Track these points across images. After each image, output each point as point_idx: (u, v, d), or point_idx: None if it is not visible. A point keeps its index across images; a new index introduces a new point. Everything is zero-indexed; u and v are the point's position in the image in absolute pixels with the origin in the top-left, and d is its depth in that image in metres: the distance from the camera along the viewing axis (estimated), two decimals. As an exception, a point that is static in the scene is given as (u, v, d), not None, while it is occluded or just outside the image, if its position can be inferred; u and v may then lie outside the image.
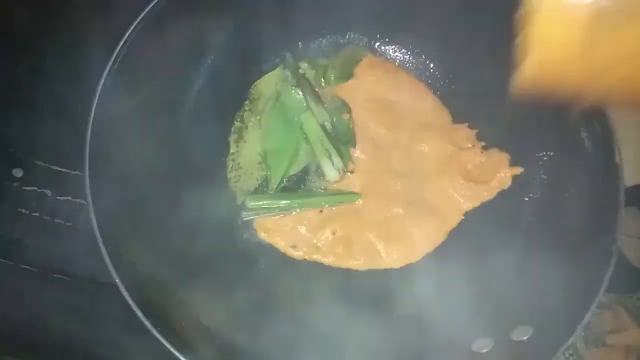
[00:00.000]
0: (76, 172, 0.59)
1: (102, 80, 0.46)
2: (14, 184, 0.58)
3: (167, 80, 0.53)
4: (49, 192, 0.58)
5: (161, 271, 0.46)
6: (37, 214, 0.58)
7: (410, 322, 0.51)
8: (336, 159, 0.56)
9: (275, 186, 0.56)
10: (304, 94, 0.59)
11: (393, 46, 0.63)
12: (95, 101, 0.45)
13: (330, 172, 0.56)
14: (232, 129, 0.59)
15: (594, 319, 0.61)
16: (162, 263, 0.47)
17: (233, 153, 0.59)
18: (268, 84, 0.61)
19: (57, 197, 0.58)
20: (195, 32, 0.54)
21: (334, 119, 0.59)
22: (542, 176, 0.55)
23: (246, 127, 0.59)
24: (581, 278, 0.44)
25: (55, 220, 0.57)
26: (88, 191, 0.43)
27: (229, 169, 0.58)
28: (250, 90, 0.61)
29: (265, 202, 0.55)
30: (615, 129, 0.47)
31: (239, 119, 0.60)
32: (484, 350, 0.45)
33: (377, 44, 0.64)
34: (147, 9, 0.48)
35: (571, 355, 0.62)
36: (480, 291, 0.52)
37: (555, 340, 0.41)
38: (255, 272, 0.55)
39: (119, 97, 0.46)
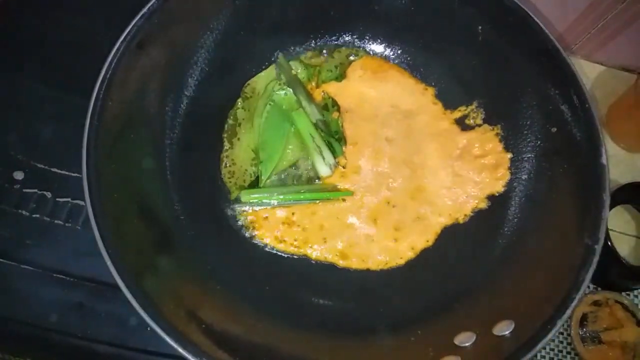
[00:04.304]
0: (75, 175, 0.60)
1: (98, 83, 0.46)
2: (15, 187, 0.59)
3: (163, 81, 0.54)
4: (48, 194, 0.59)
5: (159, 266, 0.47)
6: (37, 215, 0.58)
7: (394, 317, 0.52)
8: (327, 155, 0.57)
9: (265, 179, 0.57)
10: (295, 93, 0.60)
11: (389, 46, 0.64)
12: (91, 104, 0.46)
13: (322, 168, 0.57)
14: (226, 126, 0.60)
15: (590, 316, 0.61)
16: (159, 258, 0.48)
17: (227, 150, 0.60)
18: (261, 82, 0.62)
19: (57, 199, 0.59)
20: (190, 32, 0.55)
21: (325, 118, 0.60)
22: (529, 175, 0.55)
23: (239, 125, 0.60)
24: (564, 275, 0.44)
25: (55, 222, 0.58)
26: (86, 192, 0.44)
27: (223, 165, 0.59)
28: (244, 88, 0.61)
29: (258, 196, 0.56)
30: (600, 129, 0.47)
31: (232, 117, 0.61)
32: (466, 344, 0.45)
33: (373, 44, 0.64)
34: (144, 9, 0.49)
35: (568, 353, 0.62)
36: (463, 286, 0.52)
37: (536, 334, 0.41)
38: (246, 265, 0.55)
39: (115, 99, 0.47)
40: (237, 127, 0.60)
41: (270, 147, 0.58)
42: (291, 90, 0.60)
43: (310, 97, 0.60)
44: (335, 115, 0.61)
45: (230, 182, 0.59)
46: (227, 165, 0.59)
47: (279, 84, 0.60)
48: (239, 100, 0.61)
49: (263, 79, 0.62)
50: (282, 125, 0.59)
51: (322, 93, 0.62)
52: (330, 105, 0.62)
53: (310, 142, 0.57)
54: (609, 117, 0.71)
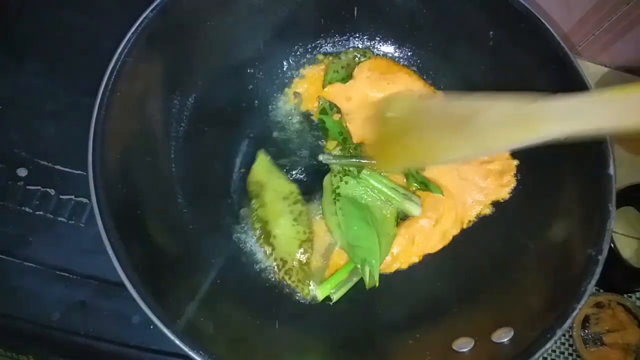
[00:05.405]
0: (79, 172, 0.59)
1: (107, 75, 0.46)
2: (18, 183, 0.59)
3: (171, 76, 0.54)
4: (52, 191, 0.59)
5: (165, 267, 0.47)
6: (41, 213, 0.58)
7: (393, 320, 0.52)
8: (415, 197, 0.56)
9: (377, 277, 0.54)
10: (350, 171, 0.57)
11: (399, 48, 0.64)
12: (97, 102, 0.46)
13: (415, 209, 0.56)
14: (256, 233, 0.56)
15: (592, 318, 0.61)
16: (162, 253, 0.48)
17: (270, 254, 0.56)
18: (259, 172, 0.59)
19: (60, 196, 0.59)
20: (200, 29, 0.54)
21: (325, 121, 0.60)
22: (534, 183, 0.56)
23: (267, 223, 0.56)
24: (566, 284, 0.44)
25: (59, 219, 0.58)
26: (91, 184, 0.43)
27: (276, 269, 0.55)
28: (249, 187, 0.59)
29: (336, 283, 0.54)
30: (609, 138, 0.47)
31: (255, 222, 0.57)
32: (464, 350, 0.45)
33: (383, 46, 0.64)
34: (156, 2, 0.49)
35: (570, 355, 0.62)
36: (464, 291, 0.53)
37: (535, 343, 0.41)
38: (243, 263, 0.56)
39: (123, 92, 0.47)
40: (267, 228, 0.56)
41: (364, 240, 0.54)
42: (349, 177, 0.57)
43: (361, 163, 0.57)
44: (336, 116, 0.61)
45: (293, 281, 0.55)
46: (281, 267, 0.55)
47: (336, 176, 0.57)
48: (253, 201, 0.58)
49: (258, 170, 0.59)
50: (362, 214, 0.55)
51: (318, 98, 0.61)
52: (328, 109, 0.61)
53: (396, 194, 0.55)
54: (613, 119, 0.70)
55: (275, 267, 0.55)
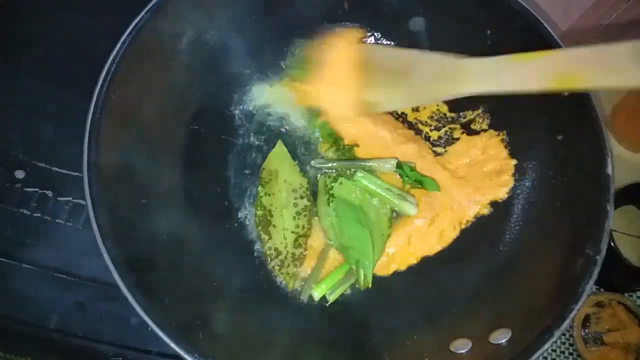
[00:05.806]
0: (76, 174, 0.59)
1: (99, 83, 0.46)
2: (16, 185, 0.59)
3: (167, 78, 0.54)
4: (50, 193, 0.59)
5: (159, 268, 0.47)
6: (39, 215, 0.58)
7: (391, 321, 0.52)
8: (410, 197, 0.56)
9: (370, 277, 0.54)
10: (346, 174, 0.57)
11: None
12: (92, 104, 0.46)
13: (411, 209, 0.55)
14: (256, 219, 0.57)
15: (593, 317, 0.61)
16: (160, 261, 0.48)
17: (266, 242, 0.56)
18: (274, 162, 0.59)
19: (58, 198, 0.59)
20: (194, 29, 0.54)
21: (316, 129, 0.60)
22: (533, 183, 0.55)
23: (269, 212, 0.57)
24: (564, 285, 0.44)
25: (56, 221, 0.58)
26: (87, 192, 0.43)
27: (270, 258, 0.55)
28: (260, 174, 0.58)
29: (332, 284, 0.54)
30: (606, 138, 0.47)
31: (259, 208, 0.57)
32: (462, 351, 0.45)
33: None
34: (151, 3, 0.49)
35: (570, 354, 0.62)
36: (462, 292, 0.52)
37: (532, 344, 0.41)
38: (240, 260, 0.55)
39: (116, 100, 0.47)
40: (268, 217, 0.56)
41: (357, 242, 0.54)
42: (344, 178, 0.57)
43: (355, 165, 0.57)
44: (322, 119, 0.60)
45: (282, 273, 0.55)
46: (273, 257, 0.55)
47: (330, 178, 0.57)
48: (260, 188, 0.58)
49: (274, 158, 0.59)
50: (356, 215, 0.55)
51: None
52: (312, 112, 0.60)
53: (391, 195, 0.55)
54: (613, 118, 0.70)
55: (268, 256, 0.55)
